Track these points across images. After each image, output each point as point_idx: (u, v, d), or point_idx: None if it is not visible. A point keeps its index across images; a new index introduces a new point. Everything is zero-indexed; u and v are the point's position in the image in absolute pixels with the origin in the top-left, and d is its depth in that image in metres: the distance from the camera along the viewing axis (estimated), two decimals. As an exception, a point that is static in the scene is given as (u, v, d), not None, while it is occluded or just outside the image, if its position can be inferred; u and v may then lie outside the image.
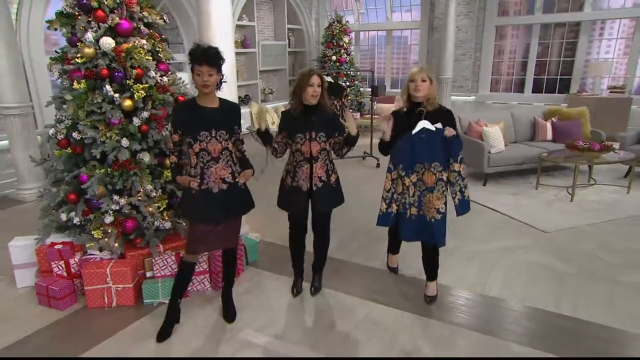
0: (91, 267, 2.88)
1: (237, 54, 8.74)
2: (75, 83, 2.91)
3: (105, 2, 2.91)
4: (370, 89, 6.97)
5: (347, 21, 9.59)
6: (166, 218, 3.08)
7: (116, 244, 2.96)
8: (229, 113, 2.49)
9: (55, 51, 3.08)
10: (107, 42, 2.87)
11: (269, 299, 3.02)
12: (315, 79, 2.64)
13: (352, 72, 9.34)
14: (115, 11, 2.96)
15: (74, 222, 3.01)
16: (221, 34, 3.25)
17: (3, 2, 4.62)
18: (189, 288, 2.98)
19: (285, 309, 2.92)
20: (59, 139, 2.99)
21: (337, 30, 9.30)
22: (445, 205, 2.73)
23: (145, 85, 2.96)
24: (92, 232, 2.95)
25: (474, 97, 9.40)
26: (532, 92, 9.04)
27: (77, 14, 2.92)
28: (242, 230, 3.47)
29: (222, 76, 2.43)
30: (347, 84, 9.26)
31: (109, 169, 2.94)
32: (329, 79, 7.28)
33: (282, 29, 9.85)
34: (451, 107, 2.88)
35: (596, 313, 2.80)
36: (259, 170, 5.98)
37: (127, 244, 3.04)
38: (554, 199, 4.93)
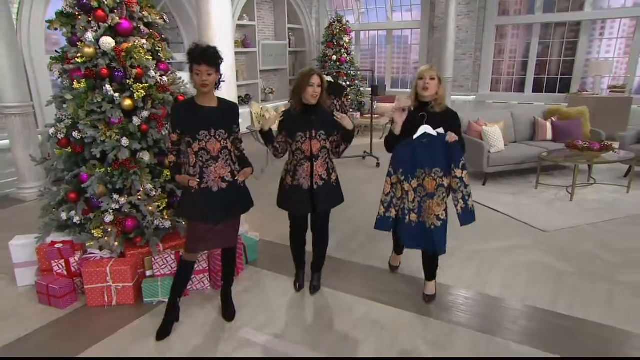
0: (91, 265, 2.89)
1: (237, 53, 8.77)
2: (75, 82, 2.92)
3: (105, 2, 2.92)
4: (370, 89, 6.98)
5: (348, 21, 9.60)
6: (166, 217, 3.10)
7: (116, 243, 2.97)
8: (227, 112, 2.50)
9: (56, 51, 3.09)
10: (107, 42, 2.88)
11: (268, 298, 3.03)
12: (315, 79, 2.65)
13: (352, 72, 9.35)
14: (115, 11, 2.97)
15: (74, 221, 3.02)
16: (221, 34, 3.25)
17: (4, 2, 4.63)
18: (188, 287, 3.00)
19: (285, 307, 2.93)
20: (59, 138, 3.01)
21: (338, 30, 9.31)
22: (446, 212, 2.69)
23: (145, 84, 2.97)
24: (92, 231, 2.96)
25: (474, 96, 9.40)
26: (533, 91, 9.04)
27: (77, 13, 2.93)
28: (242, 230, 3.48)
29: (221, 76, 2.44)
30: (348, 83, 9.27)
31: (109, 168, 2.95)
32: (329, 78, 7.30)
33: (282, 28, 9.86)
34: (451, 107, 2.86)
35: (595, 312, 2.81)
36: (259, 169, 5.99)
37: (127, 242, 3.05)
38: (553, 198, 4.93)
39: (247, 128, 6.39)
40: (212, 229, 2.52)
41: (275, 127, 2.79)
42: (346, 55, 9.37)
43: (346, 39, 9.37)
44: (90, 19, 2.92)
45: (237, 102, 2.90)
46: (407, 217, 2.72)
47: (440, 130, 2.60)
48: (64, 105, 3.03)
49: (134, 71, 2.94)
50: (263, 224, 4.16)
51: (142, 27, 3.11)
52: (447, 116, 2.70)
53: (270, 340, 2.59)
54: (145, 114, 2.99)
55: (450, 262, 3.44)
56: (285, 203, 2.88)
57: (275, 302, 2.98)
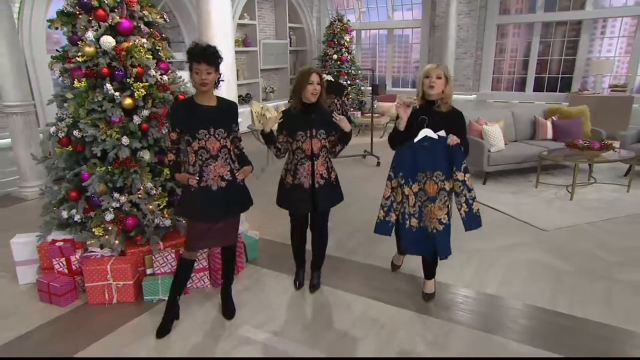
0: (92, 264, 2.90)
1: (238, 52, 8.78)
2: (76, 81, 2.93)
3: (106, 1, 2.93)
4: (371, 88, 6.98)
5: (349, 20, 9.59)
6: (166, 215, 3.11)
7: (116, 241, 2.98)
8: (226, 111, 2.51)
9: (56, 50, 3.10)
10: (108, 41, 2.90)
11: (268, 296, 3.04)
12: (314, 77, 2.66)
13: (353, 71, 9.34)
14: (116, 10, 2.98)
15: (75, 219, 3.04)
16: (221, 33, 3.26)
17: (5, 1, 4.65)
18: (188, 285, 3.01)
19: (284, 306, 2.94)
20: (60, 137, 3.02)
21: (338, 29, 9.31)
22: (448, 216, 2.66)
23: (146, 83, 2.98)
24: (93, 230, 2.98)
25: (475, 95, 9.39)
26: (534, 90, 9.03)
27: (77, 13, 2.94)
28: (242, 228, 3.50)
29: (220, 75, 2.45)
30: (348, 82, 9.27)
31: (109, 167, 2.96)
32: (329, 77, 7.30)
33: (283, 27, 9.86)
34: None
35: (595, 311, 2.81)
36: (260, 169, 6.01)
37: (127, 241, 3.06)
38: (553, 197, 4.93)
39: (247, 127, 6.40)
40: (212, 228, 2.53)
41: (275, 128, 2.79)
42: (347, 54, 9.36)
43: (347, 38, 9.36)
44: (90, 18, 2.94)
45: (236, 102, 2.90)
46: (408, 222, 2.69)
47: (442, 133, 2.58)
48: (65, 104, 3.04)
49: (135, 70, 2.95)
50: (263, 223, 4.17)
51: (142, 26, 3.12)
52: (452, 116, 2.67)
53: (270, 338, 2.60)
54: (145, 112, 3.00)
55: (450, 261, 3.40)
56: (285, 202, 2.89)
57: (275, 301, 2.99)
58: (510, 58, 9.31)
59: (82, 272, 2.92)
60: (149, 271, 3.06)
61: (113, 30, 2.97)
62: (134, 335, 2.62)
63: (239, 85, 8.27)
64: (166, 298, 2.73)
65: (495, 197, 4.92)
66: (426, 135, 2.58)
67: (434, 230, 2.64)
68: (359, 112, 9.14)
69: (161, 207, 3.10)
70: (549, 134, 5.96)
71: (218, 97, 2.50)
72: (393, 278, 3.28)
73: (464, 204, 2.62)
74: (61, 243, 3.02)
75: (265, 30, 9.67)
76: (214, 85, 2.43)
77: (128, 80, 2.96)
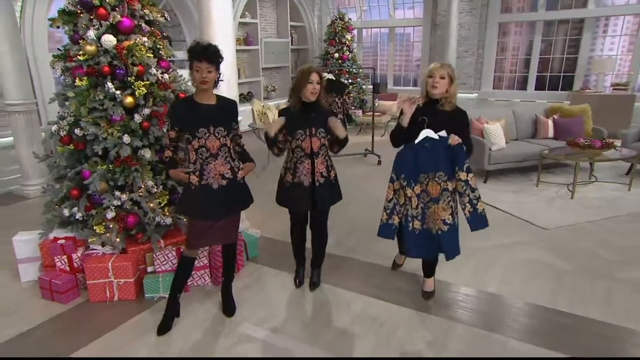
0: (93, 261, 2.92)
1: (239, 51, 8.79)
2: (77, 80, 2.95)
3: (107, 0, 2.94)
4: (372, 86, 6.98)
5: (350, 18, 9.59)
6: (167, 214, 3.12)
7: (118, 239, 3.00)
8: (226, 110, 2.52)
9: (58, 49, 3.12)
10: (109, 40, 2.91)
11: (269, 294, 3.06)
12: (314, 76, 2.65)
13: (354, 70, 9.34)
14: (117, 9, 2.99)
15: (77, 217, 3.05)
16: (222, 32, 3.28)
17: (7, 0, 4.66)
18: (189, 283, 3.02)
19: (284, 303, 2.95)
20: (62, 135, 3.04)
21: (340, 28, 9.31)
22: (453, 216, 2.64)
23: (147, 82, 2.99)
24: (94, 228, 2.99)
25: (477, 94, 9.39)
26: (535, 89, 9.02)
27: (79, 11, 2.95)
28: (243, 227, 3.51)
29: (220, 75, 2.45)
30: (349, 81, 9.26)
31: (110, 165, 2.98)
32: (330, 76, 7.29)
33: (284, 26, 9.86)
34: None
35: (595, 310, 2.81)
36: (261, 167, 6.01)
37: (128, 239, 3.07)
38: (554, 196, 4.93)
39: (248, 126, 6.41)
40: (213, 226, 2.54)
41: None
42: (348, 53, 9.37)
43: (348, 36, 9.36)
44: (92, 17, 2.95)
45: (236, 100, 2.91)
46: (411, 225, 2.68)
47: (443, 133, 2.56)
48: (66, 103, 3.06)
49: (136, 69, 2.96)
50: (264, 221, 4.19)
51: (143, 25, 3.13)
52: (455, 115, 2.65)
53: (270, 335, 2.61)
54: (146, 111, 3.01)
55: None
56: (285, 200, 2.90)
57: (275, 298, 3.00)
58: (511, 56, 9.30)
59: (84, 269, 2.93)
60: (149, 269, 3.07)
61: (114, 29, 2.98)
62: (135, 332, 2.64)
63: (240, 83, 8.30)
64: (167, 296, 2.75)
65: (496, 196, 4.92)
66: (427, 136, 2.57)
67: (439, 232, 2.63)
68: (360, 111, 9.15)
69: (162, 205, 3.11)
70: (550, 133, 5.95)
71: (218, 96, 2.51)
72: (393, 276, 3.29)
73: (467, 204, 2.60)
74: (63, 241, 3.04)
75: (267, 29, 9.67)
76: (213, 85, 2.43)
77: (129, 78, 2.97)
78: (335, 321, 2.75)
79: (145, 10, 3.15)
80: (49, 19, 3.05)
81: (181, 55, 5.44)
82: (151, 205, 3.02)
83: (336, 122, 2.67)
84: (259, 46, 9.14)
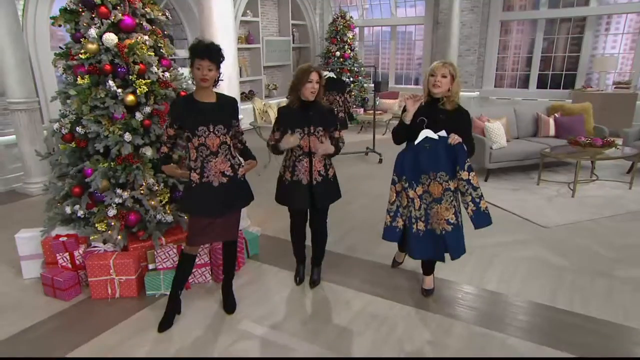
0: (95, 259, 2.94)
1: (241, 49, 8.81)
2: (79, 78, 2.96)
3: (108, -1, 2.96)
4: (373, 85, 6.98)
5: (351, 17, 9.59)
6: (168, 211, 3.14)
7: (119, 237, 3.02)
8: (226, 107, 2.52)
9: (60, 47, 3.13)
10: (110, 38, 2.92)
11: (269, 292, 3.07)
12: (314, 76, 2.66)
13: (355, 68, 9.34)
14: (118, 7, 3.00)
15: (78, 215, 3.07)
16: (223, 30, 3.28)
17: (9, -2, 4.68)
18: (190, 280, 3.04)
19: (284, 301, 2.97)
20: (64, 133, 3.06)
21: (341, 26, 9.31)
22: (456, 216, 2.63)
23: (148, 80, 3.01)
24: (96, 225, 3.01)
25: (478, 92, 9.37)
26: (537, 87, 9.00)
27: (80, 10, 2.97)
28: (243, 224, 3.53)
29: (220, 74, 2.46)
30: (351, 79, 9.27)
31: (112, 163, 2.99)
32: (331, 74, 7.29)
33: (286, 24, 9.86)
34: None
35: (595, 308, 2.81)
36: (262, 165, 6.02)
37: (130, 236, 3.10)
38: (555, 194, 4.93)
39: (250, 124, 6.42)
40: (213, 223, 2.56)
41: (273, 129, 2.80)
42: (350, 51, 9.37)
43: (350, 35, 9.36)
44: (93, 16, 2.96)
45: (236, 98, 2.92)
46: (415, 227, 2.67)
47: (442, 132, 2.56)
48: (68, 101, 3.08)
49: (137, 67, 2.98)
50: (264, 219, 4.20)
51: (144, 23, 3.14)
52: (457, 114, 2.63)
53: (270, 332, 2.63)
54: (147, 109, 3.03)
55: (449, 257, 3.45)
56: (284, 198, 2.91)
57: (275, 296, 3.02)
58: (513, 55, 9.28)
59: (86, 266, 2.95)
60: (151, 266, 3.09)
61: (115, 28, 2.99)
62: (136, 329, 2.66)
63: (241, 82, 8.29)
64: (168, 293, 2.76)
65: (497, 194, 4.92)
66: (427, 137, 2.57)
67: (443, 232, 2.63)
68: (362, 109, 9.15)
69: (163, 202, 3.13)
70: (552, 131, 5.95)
71: (218, 94, 2.51)
72: (393, 274, 3.30)
73: (470, 203, 2.60)
74: (65, 238, 3.06)
75: (268, 27, 9.67)
76: (213, 83, 2.44)
77: (130, 77, 2.98)
78: (335, 319, 2.76)
79: (146, 9, 3.16)
80: (51, 18, 3.07)
81: (183, 53, 5.45)
82: (152, 202, 3.04)
83: (320, 146, 2.70)
84: (260, 44, 9.14)
